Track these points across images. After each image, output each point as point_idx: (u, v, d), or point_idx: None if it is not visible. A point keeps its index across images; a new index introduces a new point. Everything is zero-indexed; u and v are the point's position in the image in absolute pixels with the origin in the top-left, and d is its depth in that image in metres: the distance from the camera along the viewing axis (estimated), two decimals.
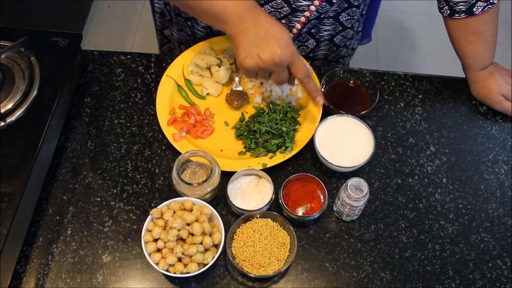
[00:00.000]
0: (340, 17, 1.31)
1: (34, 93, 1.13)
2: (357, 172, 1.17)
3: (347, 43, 1.44)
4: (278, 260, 1.02)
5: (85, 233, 1.09)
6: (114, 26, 2.63)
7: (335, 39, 1.38)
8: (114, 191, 1.14)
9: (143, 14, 2.65)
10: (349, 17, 1.33)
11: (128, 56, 1.32)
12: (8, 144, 1.07)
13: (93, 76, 1.29)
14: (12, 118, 1.09)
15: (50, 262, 1.06)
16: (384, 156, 1.19)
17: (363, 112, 1.18)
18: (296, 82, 1.22)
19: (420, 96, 1.28)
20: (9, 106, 1.10)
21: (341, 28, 1.35)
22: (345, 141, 1.13)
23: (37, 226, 1.09)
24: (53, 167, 1.16)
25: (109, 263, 1.06)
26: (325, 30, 1.33)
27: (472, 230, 1.11)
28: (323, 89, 1.20)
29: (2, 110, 1.09)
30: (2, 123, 1.08)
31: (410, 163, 1.18)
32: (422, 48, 2.71)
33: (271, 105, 1.20)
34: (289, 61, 1.04)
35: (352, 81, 1.24)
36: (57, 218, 1.10)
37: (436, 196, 1.14)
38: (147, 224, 1.02)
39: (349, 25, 1.36)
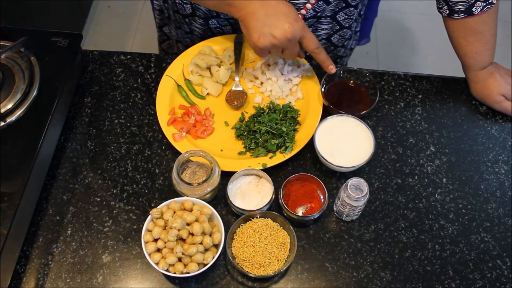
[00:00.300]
0: (337, 16, 1.31)
1: (34, 93, 1.12)
2: (357, 172, 1.16)
3: (345, 43, 1.44)
4: (278, 260, 1.02)
5: (85, 233, 1.09)
6: (114, 26, 2.62)
7: (332, 38, 1.38)
8: (114, 191, 1.14)
9: (143, 14, 2.64)
10: (346, 17, 1.32)
11: (128, 56, 1.32)
12: (8, 144, 1.06)
13: (93, 76, 1.29)
14: (12, 118, 1.09)
15: (50, 262, 1.05)
16: (384, 156, 1.19)
17: (363, 112, 1.18)
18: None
19: (420, 96, 1.28)
20: (9, 106, 1.09)
21: (338, 27, 1.35)
22: (345, 141, 1.13)
23: (37, 226, 1.09)
24: (53, 167, 1.16)
25: (109, 263, 1.05)
26: (323, 29, 1.33)
27: (472, 230, 1.10)
28: (323, 89, 1.20)
29: (2, 110, 1.08)
30: (2, 123, 1.08)
31: (410, 163, 1.18)
32: (422, 48, 2.70)
33: (271, 105, 1.20)
34: (301, 35, 1.08)
35: (352, 81, 1.24)
36: (57, 218, 1.10)
37: (436, 196, 1.14)
38: (147, 224, 1.02)
39: (347, 25, 1.36)
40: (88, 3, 2.67)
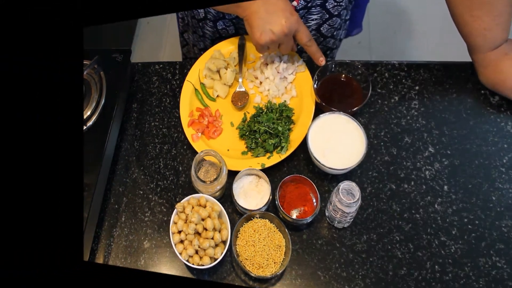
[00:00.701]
0: (326, 4, 0.73)
1: (102, 102, 0.78)
2: (349, 175, 0.63)
3: (335, 33, 0.82)
4: (275, 263, 0.58)
5: (133, 221, 0.71)
6: (152, 39, 1.94)
7: (322, 29, 0.79)
8: (151, 185, 0.74)
9: (170, 26, 1.94)
10: (336, 4, 0.73)
11: (160, 65, 0.86)
12: (87, 144, 0.76)
13: (138, 85, 0.86)
14: (90, 122, 0.77)
15: (112, 244, 0.70)
16: (377, 157, 0.64)
17: (354, 109, 0.63)
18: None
19: (417, 88, 0.68)
20: (88, 113, 0.77)
21: (328, 16, 0.76)
22: (337, 141, 0.61)
23: (104, 212, 0.74)
24: (113, 163, 0.78)
25: (148, 249, 0.68)
26: (312, 20, 0.76)
27: (480, 252, 0.55)
28: (315, 85, 0.66)
29: (85, 117, 0.78)
30: (85, 127, 0.77)
31: (405, 166, 0.62)
32: (420, 31, 1.50)
33: (268, 105, 0.70)
34: (296, 28, 0.63)
35: (344, 75, 0.67)
36: (116, 206, 0.74)
37: (436, 206, 0.58)
38: (173, 216, 0.64)
39: (336, 13, 0.76)
40: (134, 22, 2.01)
